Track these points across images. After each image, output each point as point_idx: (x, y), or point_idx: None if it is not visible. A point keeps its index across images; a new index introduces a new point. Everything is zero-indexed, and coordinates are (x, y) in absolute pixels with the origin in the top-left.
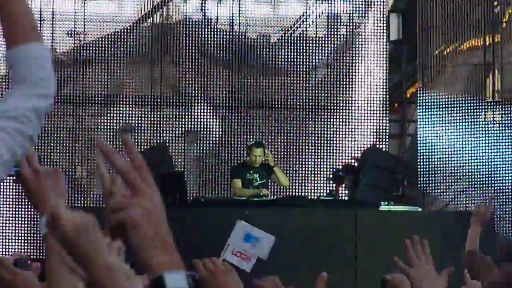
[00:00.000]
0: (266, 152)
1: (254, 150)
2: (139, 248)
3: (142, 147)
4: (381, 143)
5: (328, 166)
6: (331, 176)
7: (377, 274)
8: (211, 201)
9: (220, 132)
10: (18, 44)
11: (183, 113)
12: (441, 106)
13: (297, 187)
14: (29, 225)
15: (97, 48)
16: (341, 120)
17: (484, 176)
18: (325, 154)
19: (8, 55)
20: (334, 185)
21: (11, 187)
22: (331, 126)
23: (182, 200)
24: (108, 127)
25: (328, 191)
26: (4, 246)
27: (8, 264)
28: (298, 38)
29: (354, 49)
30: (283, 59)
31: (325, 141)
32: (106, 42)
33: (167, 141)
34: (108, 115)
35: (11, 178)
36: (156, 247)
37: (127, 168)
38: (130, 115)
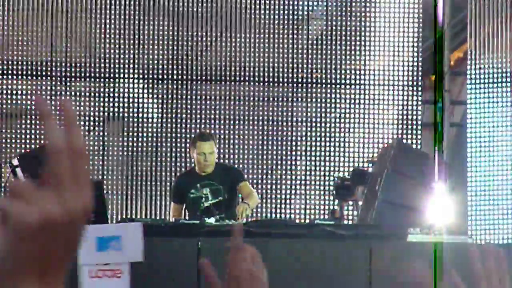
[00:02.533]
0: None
1: (200, 145)
2: None
3: (35, 141)
4: (409, 136)
5: (328, 172)
6: (332, 187)
7: None
8: (144, 224)
9: (160, 119)
10: None
11: (102, 90)
12: (503, 79)
13: (277, 205)
14: None
15: None
16: (347, 101)
17: None
18: (322, 153)
19: None
20: (337, 202)
21: None
22: (332, 110)
23: (101, 223)
24: None
25: (327, 212)
26: None
27: None
28: None
29: None
30: (257, 6)
31: (323, 134)
32: None
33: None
34: None
35: None
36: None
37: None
38: (17, 92)
